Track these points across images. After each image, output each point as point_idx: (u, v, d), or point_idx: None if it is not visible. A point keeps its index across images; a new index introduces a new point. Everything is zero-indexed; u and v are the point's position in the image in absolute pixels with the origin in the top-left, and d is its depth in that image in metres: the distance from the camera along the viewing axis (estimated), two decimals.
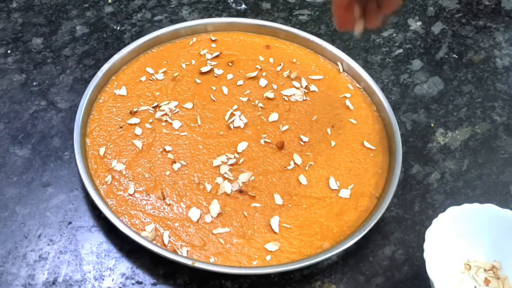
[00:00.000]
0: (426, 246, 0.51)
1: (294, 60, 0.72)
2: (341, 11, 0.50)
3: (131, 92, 0.66)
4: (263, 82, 0.69)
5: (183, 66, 0.70)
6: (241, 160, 0.62)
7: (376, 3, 0.49)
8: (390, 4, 0.48)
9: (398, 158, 0.62)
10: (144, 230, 0.56)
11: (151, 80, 0.68)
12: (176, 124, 0.64)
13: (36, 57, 0.72)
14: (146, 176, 0.60)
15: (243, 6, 0.81)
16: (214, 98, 0.67)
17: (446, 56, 0.78)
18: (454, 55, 0.78)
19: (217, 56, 0.71)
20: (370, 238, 0.59)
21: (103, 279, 0.54)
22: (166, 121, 0.64)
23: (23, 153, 0.63)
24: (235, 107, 0.66)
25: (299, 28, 0.75)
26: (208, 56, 0.71)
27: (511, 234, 0.54)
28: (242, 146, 0.63)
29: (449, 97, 0.73)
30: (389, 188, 0.60)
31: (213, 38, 0.73)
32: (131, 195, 0.58)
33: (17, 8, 0.78)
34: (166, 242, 0.55)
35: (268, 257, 0.55)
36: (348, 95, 0.69)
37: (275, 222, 0.57)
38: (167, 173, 0.60)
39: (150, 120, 0.64)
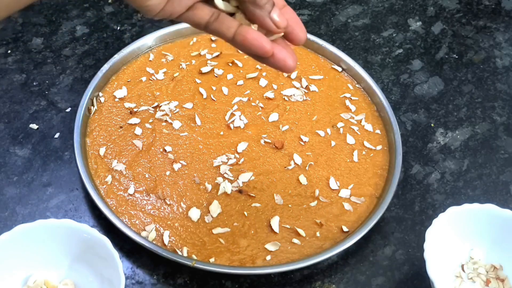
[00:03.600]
0: (426, 246, 0.51)
1: None
2: None
3: (131, 92, 0.66)
4: (263, 82, 0.69)
5: (183, 66, 0.70)
6: (241, 160, 0.62)
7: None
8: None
9: (398, 158, 0.62)
10: (144, 230, 0.56)
11: (151, 80, 0.68)
12: (176, 124, 0.64)
13: (36, 57, 0.72)
14: (146, 176, 0.59)
15: None
16: (214, 98, 0.67)
17: (446, 56, 0.78)
18: (454, 55, 0.78)
19: (217, 56, 0.71)
20: (370, 238, 0.59)
21: None
22: (166, 121, 0.64)
23: (23, 153, 0.63)
24: (235, 107, 0.66)
25: None
26: (208, 56, 0.71)
27: (511, 234, 0.54)
28: (242, 146, 0.63)
29: (449, 97, 0.73)
30: (389, 188, 0.60)
31: (213, 38, 0.73)
32: (131, 195, 0.58)
33: None
34: (166, 242, 0.55)
35: (268, 257, 0.55)
36: (348, 95, 0.69)
37: (275, 222, 0.57)
38: (167, 173, 0.60)
39: (150, 120, 0.64)
